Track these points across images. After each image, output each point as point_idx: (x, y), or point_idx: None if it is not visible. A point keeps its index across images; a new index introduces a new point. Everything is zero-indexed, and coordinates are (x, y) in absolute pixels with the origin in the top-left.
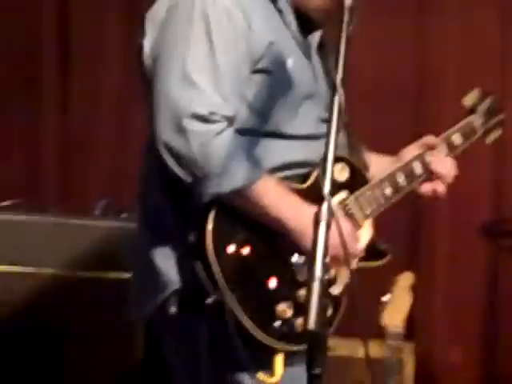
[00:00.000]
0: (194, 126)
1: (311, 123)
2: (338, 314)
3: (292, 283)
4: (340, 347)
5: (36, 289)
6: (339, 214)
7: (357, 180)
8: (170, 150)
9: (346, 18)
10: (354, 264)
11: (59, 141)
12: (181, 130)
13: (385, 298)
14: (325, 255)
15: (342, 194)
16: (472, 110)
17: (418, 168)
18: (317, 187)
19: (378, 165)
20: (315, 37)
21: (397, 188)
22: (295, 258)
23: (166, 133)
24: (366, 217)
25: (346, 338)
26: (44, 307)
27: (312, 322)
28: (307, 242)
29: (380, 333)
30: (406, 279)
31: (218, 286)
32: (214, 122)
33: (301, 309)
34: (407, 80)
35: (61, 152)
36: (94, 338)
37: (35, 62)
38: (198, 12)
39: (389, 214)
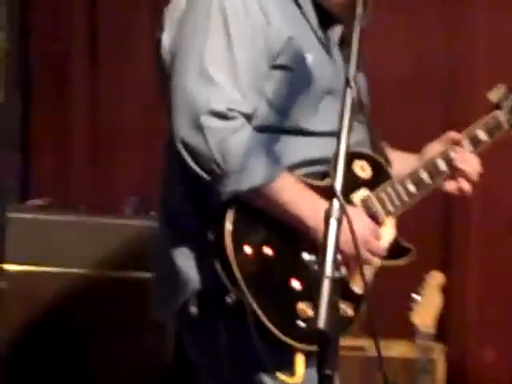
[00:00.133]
0: (211, 122)
1: (332, 119)
2: (360, 313)
3: (312, 282)
4: (370, 347)
5: (63, 289)
6: (360, 211)
7: (379, 177)
8: (188, 146)
9: (358, 10)
10: (377, 262)
11: (88, 139)
12: (198, 127)
13: (415, 298)
14: (336, 253)
15: (364, 192)
16: (497, 106)
17: (441, 165)
18: None
19: (402, 162)
20: (336, 31)
21: (420, 185)
22: (314, 256)
23: (183, 129)
24: (389, 214)
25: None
26: (71, 307)
27: (321, 322)
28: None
29: (410, 332)
30: (436, 279)
31: (237, 285)
32: (232, 118)
33: None
34: (438, 71)
35: (90, 150)
36: (122, 338)
37: (66, 61)
38: (215, 6)
39: (420, 211)
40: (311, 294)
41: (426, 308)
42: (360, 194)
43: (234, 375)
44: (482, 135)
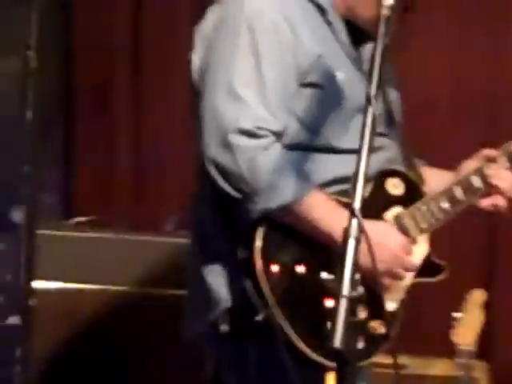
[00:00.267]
0: (240, 141)
1: None
2: (393, 330)
3: None
4: (411, 365)
5: (102, 306)
6: (392, 226)
7: (413, 195)
8: (217, 165)
9: (381, 29)
10: (408, 278)
11: (132, 156)
12: (227, 146)
13: (456, 316)
14: (354, 272)
15: (397, 209)
16: None
17: (476, 181)
18: (367, 201)
19: (438, 179)
20: (367, 48)
21: (454, 202)
22: None
23: (212, 148)
24: (422, 231)
25: (418, 356)
26: (110, 324)
27: (337, 341)
28: (358, 257)
29: (451, 351)
30: (478, 296)
31: (267, 304)
32: (260, 136)
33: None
34: (481, 87)
35: (133, 166)
36: (161, 356)
37: (108, 75)
38: (244, 25)
39: (464, 227)
40: None
41: (467, 326)
42: (393, 212)
43: None
44: None
